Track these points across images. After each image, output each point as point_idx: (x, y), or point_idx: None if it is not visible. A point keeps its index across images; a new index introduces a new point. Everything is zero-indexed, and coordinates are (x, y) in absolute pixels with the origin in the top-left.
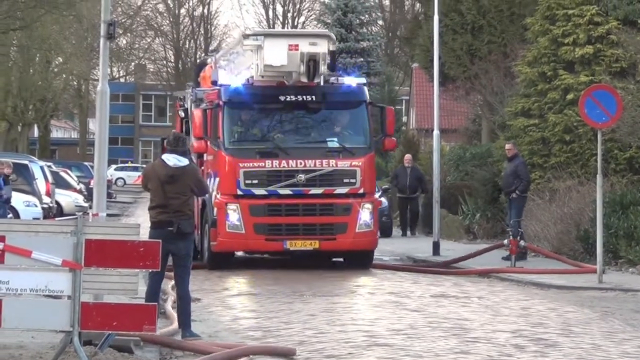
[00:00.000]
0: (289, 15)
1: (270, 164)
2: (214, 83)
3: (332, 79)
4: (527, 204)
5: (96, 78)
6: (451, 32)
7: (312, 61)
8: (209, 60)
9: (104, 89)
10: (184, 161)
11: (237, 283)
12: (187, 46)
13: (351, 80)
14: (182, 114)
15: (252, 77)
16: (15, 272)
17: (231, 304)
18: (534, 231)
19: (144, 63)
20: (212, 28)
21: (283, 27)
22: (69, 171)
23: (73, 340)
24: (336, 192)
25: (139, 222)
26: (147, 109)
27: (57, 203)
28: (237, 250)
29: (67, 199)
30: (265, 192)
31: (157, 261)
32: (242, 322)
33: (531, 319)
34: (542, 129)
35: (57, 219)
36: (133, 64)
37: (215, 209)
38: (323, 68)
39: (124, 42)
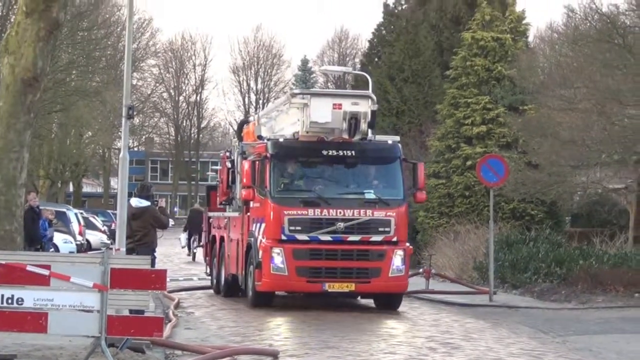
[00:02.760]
0: (260, 101)
1: (312, 212)
2: (259, 138)
3: (370, 137)
4: (436, 242)
5: (117, 147)
6: (380, 115)
7: (353, 119)
8: (250, 119)
9: (125, 156)
10: (144, 203)
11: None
12: (184, 124)
13: (387, 138)
14: (229, 165)
15: (298, 132)
16: (58, 292)
17: (218, 316)
18: (442, 262)
19: (151, 137)
20: (203, 110)
21: (255, 110)
22: (95, 217)
23: (101, 343)
24: (372, 239)
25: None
26: (154, 170)
27: (87, 240)
28: (280, 290)
29: (94, 237)
30: (308, 238)
31: (165, 284)
32: (226, 329)
33: (440, 328)
34: (448, 187)
35: (88, 252)
36: (144, 137)
37: (260, 252)
38: (364, 126)
39: (137, 121)
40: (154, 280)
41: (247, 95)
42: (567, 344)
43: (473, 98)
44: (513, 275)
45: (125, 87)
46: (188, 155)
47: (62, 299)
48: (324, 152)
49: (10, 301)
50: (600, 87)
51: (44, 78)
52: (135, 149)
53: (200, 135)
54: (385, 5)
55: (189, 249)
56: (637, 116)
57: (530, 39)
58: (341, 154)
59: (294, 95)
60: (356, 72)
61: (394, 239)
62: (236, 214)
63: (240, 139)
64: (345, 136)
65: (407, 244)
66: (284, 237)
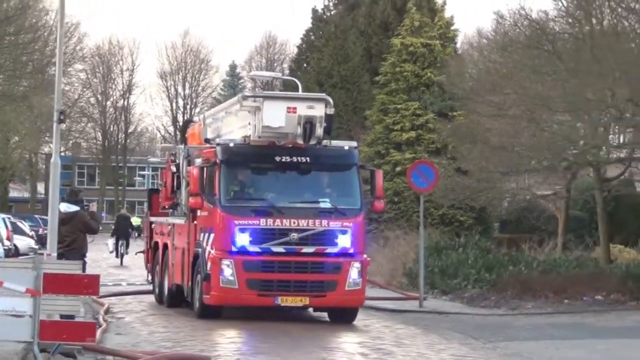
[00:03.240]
0: (188, 107)
1: (264, 222)
2: (206, 141)
3: (325, 142)
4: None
5: (44, 152)
6: None
7: (308, 123)
8: (195, 119)
9: (56, 161)
10: (73, 208)
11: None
12: (111, 129)
13: (343, 144)
14: (174, 169)
15: (249, 136)
16: None
17: (148, 321)
18: (372, 269)
19: (79, 142)
20: (130, 115)
21: (183, 116)
22: (23, 222)
23: (33, 348)
24: (327, 251)
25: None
26: (81, 175)
27: (15, 245)
28: (229, 304)
29: (22, 242)
30: (259, 249)
31: (97, 290)
32: (156, 335)
33: (371, 334)
34: None
35: (17, 257)
36: (71, 142)
37: (209, 264)
38: (319, 130)
39: (64, 126)
40: (87, 285)
41: (174, 100)
42: (498, 349)
43: (402, 104)
44: (443, 281)
45: (56, 92)
46: (115, 160)
47: None
48: (277, 158)
49: None
50: (529, 93)
51: None
52: (62, 153)
53: (128, 141)
54: (314, 11)
55: (117, 254)
56: (566, 122)
57: (459, 45)
58: (295, 160)
59: (245, 97)
60: (285, 77)
61: (351, 251)
62: (182, 221)
63: (184, 140)
64: (300, 141)
65: (364, 256)
66: (234, 249)
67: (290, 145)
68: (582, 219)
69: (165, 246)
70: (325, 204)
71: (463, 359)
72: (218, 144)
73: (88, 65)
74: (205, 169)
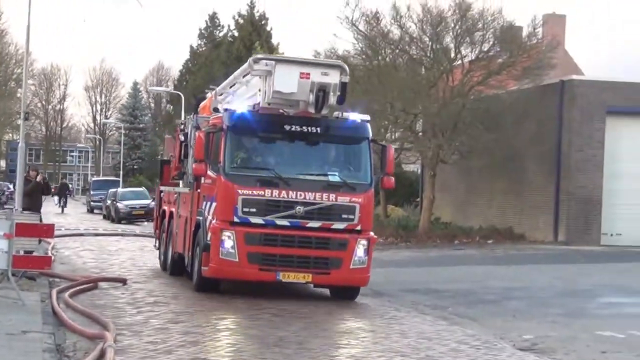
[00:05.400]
0: (103, 110)
1: (269, 193)
2: (215, 110)
3: (337, 113)
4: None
5: (5, 140)
6: None
7: (321, 91)
8: (208, 95)
9: (22, 145)
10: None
11: None
12: (51, 124)
13: (356, 116)
14: (182, 138)
15: (259, 103)
16: None
17: (81, 254)
18: None
19: (29, 132)
20: (64, 115)
21: (100, 116)
22: None
23: (8, 274)
24: (333, 226)
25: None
26: (30, 155)
27: None
28: (228, 277)
29: None
30: (263, 222)
31: (53, 234)
32: (89, 264)
33: None
34: None
35: None
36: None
37: (209, 234)
38: (332, 99)
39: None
40: (45, 231)
41: (94, 105)
42: None
43: None
44: None
45: (22, 101)
46: (53, 145)
47: None
48: (286, 127)
49: None
50: None
51: None
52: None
53: (63, 132)
54: (191, 47)
55: (60, 207)
56: None
57: None
58: (305, 130)
59: (257, 60)
60: (171, 91)
61: (358, 228)
62: (186, 190)
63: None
64: (312, 110)
65: (371, 233)
66: (236, 219)
67: (301, 115)
68: None
69: (171, 215)
70: (334, 177)
71: None
72: (226, 110)
73: (36, 81)
74: (211, 134)
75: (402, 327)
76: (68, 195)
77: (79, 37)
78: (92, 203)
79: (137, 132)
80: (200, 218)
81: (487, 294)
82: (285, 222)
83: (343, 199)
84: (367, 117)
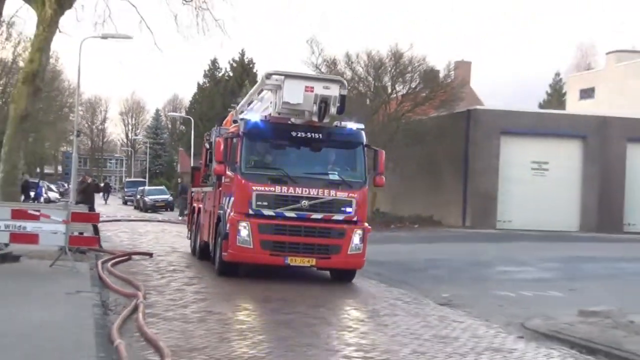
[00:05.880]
0: (133, 129)
1: (279, 189)
2: (234, 122)
3: (336, 122)
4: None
5: (62, 150)
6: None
7: (323, 103)
8: (230, 112)
9: (75, 156)
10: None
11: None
12: (95, 139)
13: (352, 125)
14: (208, 146)
15: (270, 113)
16: (44, 223)
17: (120, 235)
18: None
19: (79, 145)
20: (105, 132)
21: (131, 134)
22: (51, 185)
23: (65, 249)
24: (334, 218)
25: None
26: (79, 163)
27: (49, 197)
28: (244, 261)
29: (53, 194)
30: (273, 214)
31: (98, 219)
32: (125, 242)
33: None
34: None
35: (51, 203)
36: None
37: (228, 225)
38: (333, 109)
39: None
40: (93, 217)
41: (127, 126)
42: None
43: None
44: None
45: (75, 122)
46: (97, 155)
47: (46, 227)
48: (294, 134)
49: (20, 228)
50: None
51: (30, 116)
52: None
53: (104, 145)
54: (198, 83)
55: (104, 200)
56: None
57: None
58: (309, 136)
59: (268, 76)
60: (183, 116)
61: (354, 219)
62: (210, 189)
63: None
64: (315, 119)
65: (366, 224)
66: (251, 212)
67: (305, 124)
68: None
69: (199, 210)
70: (334, 176)
71: None
72: (241, 119)
73: (84, 107)
74: (229, 140)
75: (354, 289)
76: (110, 192)
77: (116, 74)
78: (126, 197)
79: (158, 146)
80: (221, 212)
81: (415, 264)
82: (292, 214)
83: (342, 195)
84: (362, 126)
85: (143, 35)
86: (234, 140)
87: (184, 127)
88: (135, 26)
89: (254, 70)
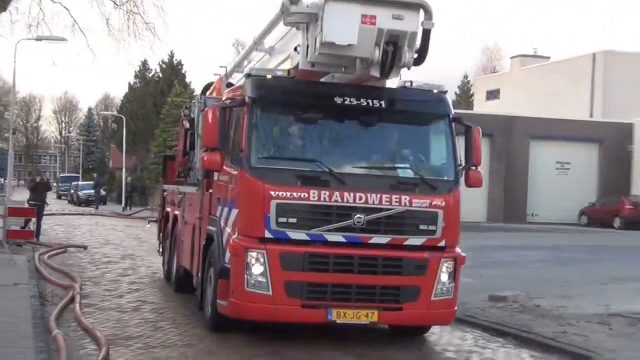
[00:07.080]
0: (67, 127)
1: (315, 196)
2: (229, 86)
3: (407, 82)
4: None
5: None
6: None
7: (392, 44)
8: (215, 76)
9: (11, 153)
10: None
11: None
12: (30, 136)
13: (431, 85)
14: (187, 125)
15: (297, 66)
16: None
17: (55, 228)
18: None
19: (13, 142)
20: (39, 130)
21: (64, 132)
22: None
23: (3, 243)
24: (407, 242)
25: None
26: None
27: None
28: (257, 319)
29: None
30: (307, 237)
31: (34, 214)
32: (60, 234)
33: None
34: None
35: None
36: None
37: (229, 254)
38: (408, 56)
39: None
40: (29, 212)
41: (60, 123)
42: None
43: (172, 129)
44: None
45: (11, 119)
46: (32, 152)
47: None
48: (337, 100)
49: None
50: None
51: None
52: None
53: (38, 142)
54: (129, 83)
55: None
56: None
57: None
58: (364, 104)
59: (293, 1)
60: (115, 114)
61: (442, 243)
62: (193, 190)
63: None
64: (376, 74)
65: (458, 250)
66: (268, 234)
67: (358, 82)
68: None
69: (176, 218)
70: (406, 171)
71: None
72: (249, 75)
73: (19, 106)
74: (227, 111)
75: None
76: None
77: (49, 74)
78: (60, 192)
79: (91, 143)
80: (214, 229)
81: None
82: (339, 238)
83: (420, 203)
84: (445, 88)
85: (76, 37)
86: (236, 112)
87: (115, 125)
88: (69, 28)
89: (183, 71)
